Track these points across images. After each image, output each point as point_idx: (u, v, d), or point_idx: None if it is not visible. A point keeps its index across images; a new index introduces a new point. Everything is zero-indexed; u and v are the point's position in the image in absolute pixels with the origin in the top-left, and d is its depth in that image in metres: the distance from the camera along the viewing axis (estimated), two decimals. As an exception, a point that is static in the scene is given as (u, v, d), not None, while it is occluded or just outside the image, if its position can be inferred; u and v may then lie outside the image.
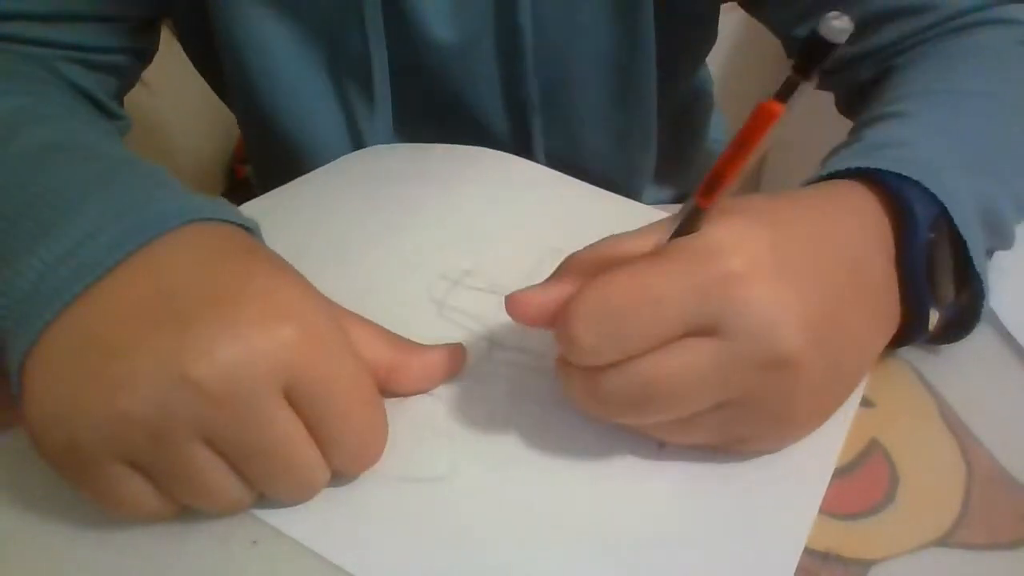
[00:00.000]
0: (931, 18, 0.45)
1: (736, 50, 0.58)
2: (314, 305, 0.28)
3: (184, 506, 0.28)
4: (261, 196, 0.45)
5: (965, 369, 0.35)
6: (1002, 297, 0.36)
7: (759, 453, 0.30)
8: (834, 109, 0.53)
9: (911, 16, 0.45)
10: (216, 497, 0.27)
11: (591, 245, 0.30)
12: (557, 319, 0.27)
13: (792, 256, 0.28)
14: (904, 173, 0.32)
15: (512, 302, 0.29)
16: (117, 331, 0.26)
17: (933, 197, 0.32)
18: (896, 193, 0.32)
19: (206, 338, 0.25)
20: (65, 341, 0.26)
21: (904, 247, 0.32)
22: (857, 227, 0.31)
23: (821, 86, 0.54)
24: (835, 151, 0.38)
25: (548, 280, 0.29)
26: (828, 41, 0.22)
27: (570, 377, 0.28)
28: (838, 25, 0.22)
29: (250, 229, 0.32)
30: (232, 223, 0.31)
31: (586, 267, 0.29)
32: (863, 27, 0.46)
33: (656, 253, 0.28)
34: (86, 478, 0.26)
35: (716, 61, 0.63)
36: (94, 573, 0.27)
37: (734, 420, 0.28)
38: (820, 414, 0.31)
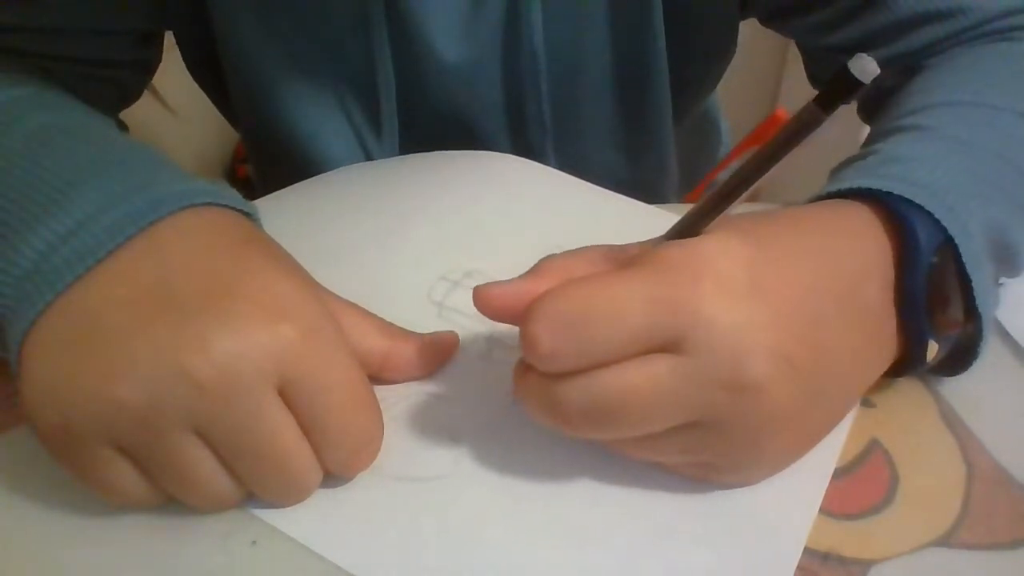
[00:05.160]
0: (962, 22, 0.43)
1: (736, 52, 0.59)
2: (310, 300, 0.28)
3: (172, 496, 0.28)
4: (262, 198, 0.45)
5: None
6: (1002, 299, 0.36)
7: (734, 485, 0.29)
8: (836, 114, 0.53)
9: (941, 20, 0.43)
10: (202, 490, 0.27)
11: (572, 250, 0.30)
12: (520, 317, 0.27)
13: (772, 276, 0.27)
14: (910, 197, 0.30)
15: (477, 294, 0.29)
16: (115, 316, 0.26)
17: (939, 223, 0.30)
18: (901, 218, 0.30)
19: (203, 331, 0.25)
20: (64, 323, 0.27)
21: (904, 274, 0.30)
22: (853, 250, 0.30)
23: None
24: (846, 163, 0.36)
25: (519, 276, 0.29)
26: (857, 79, 0.22)
27: (527, 383, 0.27)
28: (869, 66, 0.22)
29: (249, 214, 0.32)
30: (232, 208, 0.31)
31: (559, 269, 0.28)
32: (891, 33, 0.45)
33: (630, 262, 0.27)
34: (76, 460, 0.27)
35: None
36: (94, 572, 0.27)
37: (699, 443, 0.27)
38: (798, 444, 0.29)
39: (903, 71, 0.45)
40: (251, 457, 0.27)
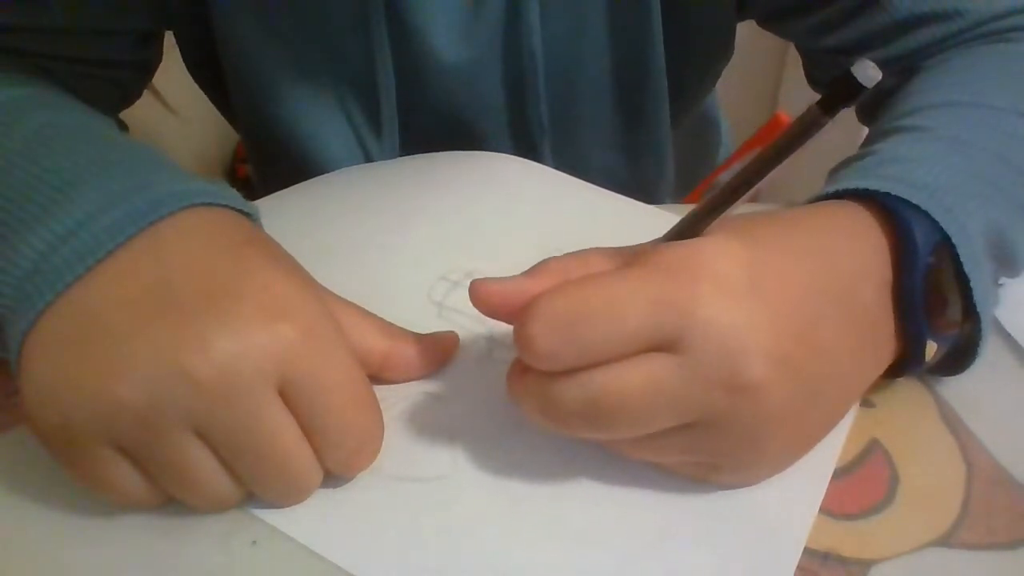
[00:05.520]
0: (960, 24, 0.43)
1: (737, 44, 0.59)
2: (310, 300, 0.28)
3: (172, 496, 0.28)
4: (263, 198, 0.45)
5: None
6: (1002, 299, 0.36)
7: (734, 486, 0.29)
8: (837, 118, 0.53)
9: (939, 22, 0.43)
10: (202, 490, 0.27)
11: (572, 253, 0.29)
12: (516, 317, 0.27)
13: (771, 276, 0.27)
14: (907, 197, 0.30)
15: (473, 289, 0.28)
16: (116, 316, 0.26)
17: (937, 223, 0.30)
18: (898, 218, 0.30)
19: (203, 331, 0.25)
20: (64, 323, 0.27)
21: (902, 275, 0.30)
22: (851, 250, 0.30)
23: None
24: (844, 164, 0.37)
25: (517, 275, 0.29)
26: (859, 83, 0.22)
27: (523, 384, 0.27)
28: (872, 71, 0.22)
29: (250, 214, 0.32)
30: (232, 208, 0.31)
31: (557, 270, 0.28)
32: (888, 34, 0.45)
33: (629, 263, 0.27)
34: (76, 460, 0.27)
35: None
36: (94, 572, 0.27)
37: (698, 443, 0.27)
38: (797, 444, 0.29)
39: (901, 72, 0.45)
40: (251, 457, 0.27)
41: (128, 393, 0.25)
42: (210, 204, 0.30)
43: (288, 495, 0.29)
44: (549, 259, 0.29)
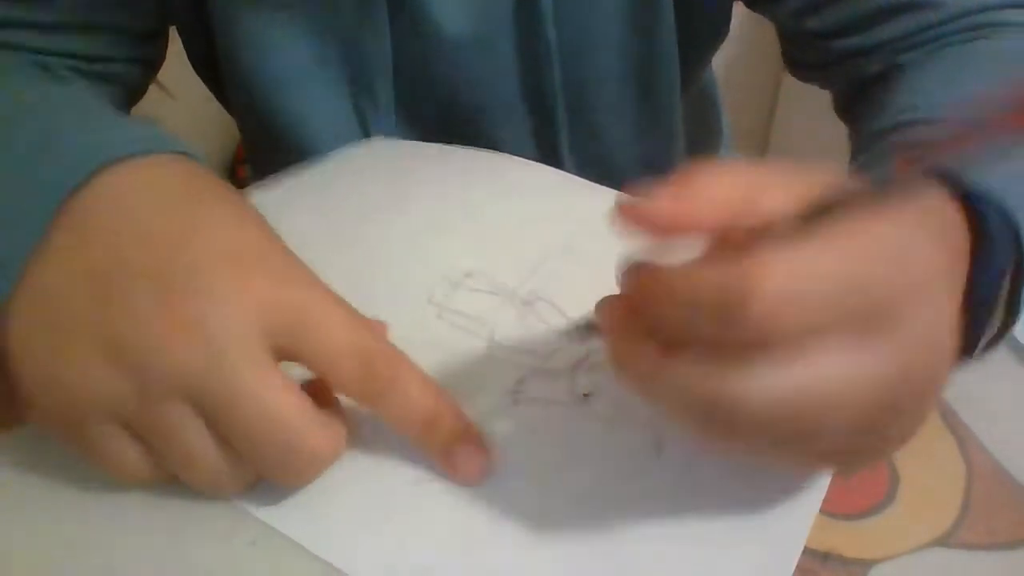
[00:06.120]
0: (938, 15, 0.44)
1: (737, 44, 0.59)
2: (274, 250, 0.29)
3: (173, 472, 0.28)
4: (262, 196, 0.45)
5: (965, 369, 0.35)
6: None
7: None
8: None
9: (918, 10, 0.44)
10: (199, 464, 0.27)
11: (722, 172, 0.24)
12: (665, 234, 0.23)
13: (945, 275, 0.24)
14: (993, 192, 0.28)
15: (617, 207, 0.24)
16: (62, 304, 0.27)
17: (1007, 221, 0.28)
18: (980, 217, 0.28)
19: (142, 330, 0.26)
20: (29, 313, 0.27)
21: (975, 279, 0.27)
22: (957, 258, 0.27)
23: (821, 83, 0.54)
24: (875, 161, 0.35)
25: (663, 194, 0.24)
26: None
27: (666, 373, 0.23)
28: None
29: (188, 153, 0.32)
30: (170, 151, 0.31)
31: (713, 191, 0.24)
32: (868, 21, 0.46)
33: (851, 232, 0.22)
34: (78, 440, 0.27)
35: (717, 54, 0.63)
36: (94, 572, 0.27)
37: (849, 444, 0.24)
38: None
39: (882, 62, 0.46)
40: (241, 425, 0.26)
41: (114, 371, 0.26)
42: (132, 155, 0.30)
43: (290, 470, 0.28)
44: (697, 175, 0.24)
